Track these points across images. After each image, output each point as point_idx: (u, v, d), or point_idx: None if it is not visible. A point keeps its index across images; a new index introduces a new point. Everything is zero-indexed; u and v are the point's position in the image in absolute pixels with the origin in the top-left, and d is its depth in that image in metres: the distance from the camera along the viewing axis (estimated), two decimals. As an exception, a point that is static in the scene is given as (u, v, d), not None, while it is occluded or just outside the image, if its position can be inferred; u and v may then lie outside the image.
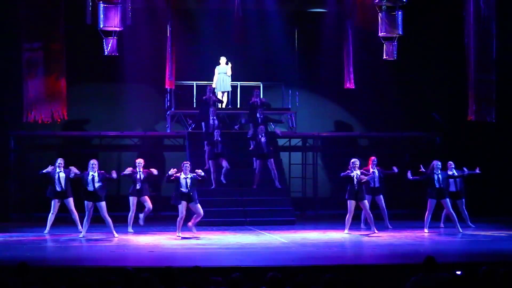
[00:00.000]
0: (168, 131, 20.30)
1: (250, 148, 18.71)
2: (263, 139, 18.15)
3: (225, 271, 9.49)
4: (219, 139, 17.72)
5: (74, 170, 15.63)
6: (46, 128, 19.08)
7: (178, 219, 15.08)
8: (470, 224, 16.93)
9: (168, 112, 20.32)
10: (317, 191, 20.78)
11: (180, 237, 14.96)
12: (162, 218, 18.08)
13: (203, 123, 18.50)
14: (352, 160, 15.78)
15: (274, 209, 18.10)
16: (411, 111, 21.12)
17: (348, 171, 15.71)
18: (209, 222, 16.72)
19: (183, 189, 14.92)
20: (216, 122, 18.29)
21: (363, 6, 19.37)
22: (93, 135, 20.33)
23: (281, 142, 20.44)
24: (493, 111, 18.62)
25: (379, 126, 21.28)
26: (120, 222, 17.65)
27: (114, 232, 15.20)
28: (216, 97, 19.53)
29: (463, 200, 16.91)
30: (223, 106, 20.13)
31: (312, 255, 12.80)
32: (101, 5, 16.67)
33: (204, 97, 19.07)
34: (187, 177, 14.95)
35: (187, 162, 15.32)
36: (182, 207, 15.01)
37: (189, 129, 19.97)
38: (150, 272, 8.63)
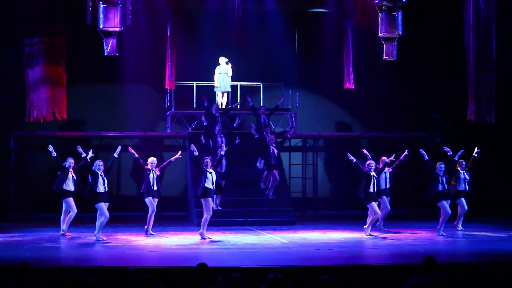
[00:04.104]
0: (168, 131, 20.29)
1: (257, 164, 18.50)
2: (276, 151, 18.18)
3: (225, 271, 9.50)
4: (223, 157, 16.80)
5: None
6: (46, 128, 19.10)
7: (206, 217, 14.92)
8: (461, 226, 16.72)
9: (168, 113, 20.32)
10: (317, 191, 20.78)
11: (209, 238, 14.88)
12: (162, 218, 18.08)
13: (210, 141, 18.31)
14: (368, 162, 15.51)
15: (274, 210, 18.11)
16: (411, 111, 21.12)
17: (365, 170, 15.40)
18: (209, 222, 16.68)
19: (209, 185, 14.84)
20: (223, 140, 18.16)
21: (363, 6, 19.37)
22: (93, 135, 20.32)
23: (283, 142, 20.46)
24: (493, 111, 18.62)
25: (379, 126, 21.28)
26: (121, 222, 17.70)
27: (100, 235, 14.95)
28: (220, 112, 19.31)
29: (466, 201, 16.79)
30: (223, 106, 20.09)
31: (312, 255, 12.80)
32: (101, 5, 16.66)
33: (213, 111, 18.77)
34: (212, 172, 14.91)
35: (208, 157, 15.27)
36: (209, 204, 14.91)
37: (189, 129, 19.95)
38: (150, 272, 8.65)
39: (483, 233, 16.14)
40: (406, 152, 16.31)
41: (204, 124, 18.62)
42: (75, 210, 15.49)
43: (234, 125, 19.14)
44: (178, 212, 19.46)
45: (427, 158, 15.81)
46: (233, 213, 17.77)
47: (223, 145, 17.23)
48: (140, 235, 15.42)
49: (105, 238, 14.70)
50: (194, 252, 13.24)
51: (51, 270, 10.29)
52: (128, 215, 18.86)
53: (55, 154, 15.45)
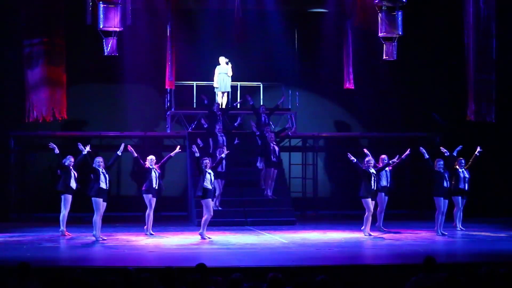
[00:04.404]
0: (168, 131, 20.29)
1: (257, 163, 18.48)
2: (277, 148, 18.15)
3: (225, 271, 9.50)
4: (224, 157, 16.49)
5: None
6: (46, 128, 19.09)
7: (207, 217, 14.91)
8: (460, 226, 16.71)
9: (168, 113, 20.32)
10: (317, 191, 20.78)
11: (209, 238, 14.87)
12: (162, 218, 18.07)
13: (211, 140, 18.28)
14: (367, 159, 15.44)
15: (274, 210, 18.10)
16: (411, 111, 21.12)
17: (364, 167, 15.31)
18: (209, 222, 16.71)
19: (208, 185, 14.77)
20: (224, 139, 18.12)
21: (363, 6, 19.37)
22: (93, 135, 20.31)
23: (281, 142, 20.45)
24: (493, 111, 18.62)
25: (379, 126, 21.28)
26: (121, 222, 17.69)
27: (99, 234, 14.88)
28: (223, 109, 19.28)
29: (464, 200, 16.77)
30: (223, 106, 20.08)
31: (312, 255, 12.81)
32: (101, 5, 16.66)
33: (214, 110, 18.74)
34: (211, 173, 14.87)
35: (207, 158, 15.24)
36: (209, 204, 14.87)
37: (189, 129, 19.95)
38: (150, 272, 8.64)
39: (483, 233, 16.13)
40: (408, 151, 16.27)
41: (204, 126, 18.57)
42: (68, 208, 15.43)
43: (235, 124, 19.10)
44: (178, 212, 19.45)
45: (427, 156, 15.81)
46: (233, 213, 17.77)
47: (224, 148, 17.11)
48: (140, 235, 15.42)
49: (105, 238, 14.70)
50: (194, 252, 13.25)
51: (51, 270, 10.30)
52: (128, 215, 18.85)
53: (58, 151, 15.41)
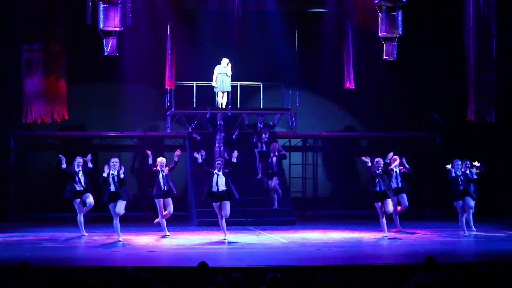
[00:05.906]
0: (168, 131, 20.28)
1: (258, 177, 18.45)
2: (274, 159, 18.12)
3: (225, 271, 9.50)
4: (235, 161, 15.86)
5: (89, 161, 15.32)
6: (46, 128, 19.09)
7: (220, 220, 14.92)
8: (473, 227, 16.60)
9: (168, 112, 20.31)
10: (317, 191, 20.78)
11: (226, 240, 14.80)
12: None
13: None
14: (376, 160, 15.33)
15: (274, 209, 18.09)
16: (411, 111, 21.12)
17: (372, 169, 15.19)
18: (209, 222, 16.76)
19: (214, 189, 14.73)
20: (222, 148, 18.05)
21: (363, 6, 19.38)
22: (93, 135, 20.32)
23: (281, 142, 20.45)
24: (493, 111, 18.63)
25: (379, 126, 21.27)
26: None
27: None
28: (224, 120, 19.29)
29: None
30: (223, 106, 20.08)
31: (312, 255, 12.81)
32: (101, 5, 16.67)
33: (218, 122, 18.77)
34: (219, 174, 14.81)
35: (220, 159, 15.20)
36: (216, 208, 14.86)
37: (189, 129, 19.93)
38: (150, 272, 8.65)
39: (483, 233, 16.12)
40: (408, 170, 16.07)
41: (198, 139, 18.57)
42: (92, 202, 15.32)
43: (234, 137, 19.01)
44: (178, 212, 19.39)
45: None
46: (233, 213, 17.70)
47: (236, 152, 16.69)
48: (139, 235, 15.42)
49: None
50: (194, 252, 13.24)
51: (51, 270, 10.29)
52: (128, 215, 18.80)
53: (65, 166, 15.32)
